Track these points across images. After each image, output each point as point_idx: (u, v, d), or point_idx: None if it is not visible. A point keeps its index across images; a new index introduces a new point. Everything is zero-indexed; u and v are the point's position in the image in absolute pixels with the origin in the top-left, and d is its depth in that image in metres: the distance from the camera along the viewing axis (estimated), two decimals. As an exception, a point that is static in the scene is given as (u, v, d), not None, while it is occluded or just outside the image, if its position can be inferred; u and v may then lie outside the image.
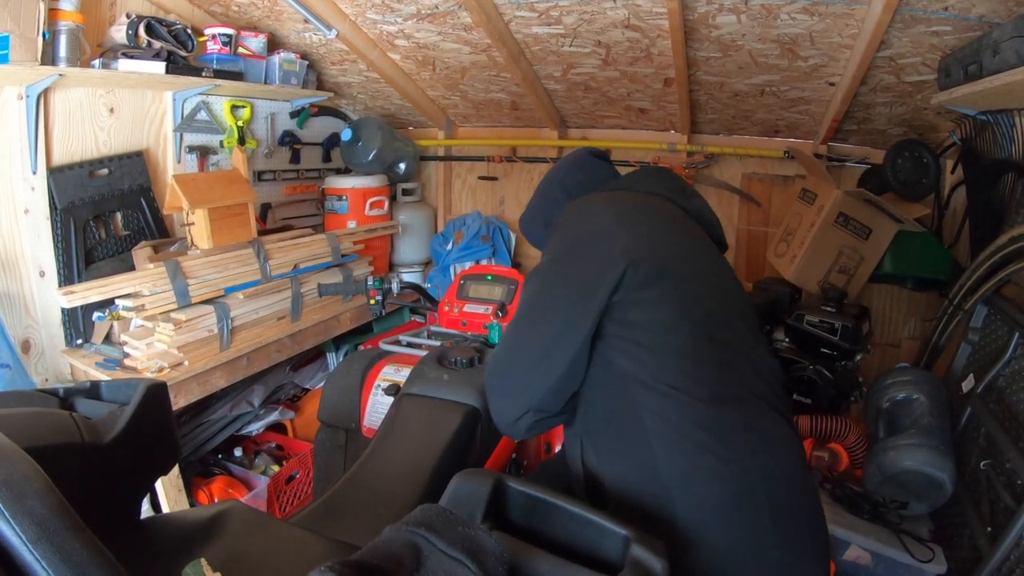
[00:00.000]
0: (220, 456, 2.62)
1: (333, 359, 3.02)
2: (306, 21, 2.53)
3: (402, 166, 3.33)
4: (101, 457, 0.86)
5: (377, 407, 2.14)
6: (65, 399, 1.03)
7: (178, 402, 2.17)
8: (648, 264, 1.15)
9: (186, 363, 2.17)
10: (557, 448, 2.10)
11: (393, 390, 2.03)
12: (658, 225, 1.27)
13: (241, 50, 2.60)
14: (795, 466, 1.16)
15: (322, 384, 3.08)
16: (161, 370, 2.11)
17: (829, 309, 2.29)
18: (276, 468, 2.66)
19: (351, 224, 3.07)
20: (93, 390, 1.06)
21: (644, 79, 2.68)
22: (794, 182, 2.88)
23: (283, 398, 2.94)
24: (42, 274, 2.17)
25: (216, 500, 2.40)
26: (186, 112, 2.52)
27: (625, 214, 1.25)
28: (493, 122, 3.51)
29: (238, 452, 2.66)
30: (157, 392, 1.03)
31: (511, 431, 1.25)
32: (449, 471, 1.61)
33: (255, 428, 2.72)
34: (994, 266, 2.03)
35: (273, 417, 2.76)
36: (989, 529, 1.81)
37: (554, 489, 1.33)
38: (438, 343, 2.48)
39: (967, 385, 2.14)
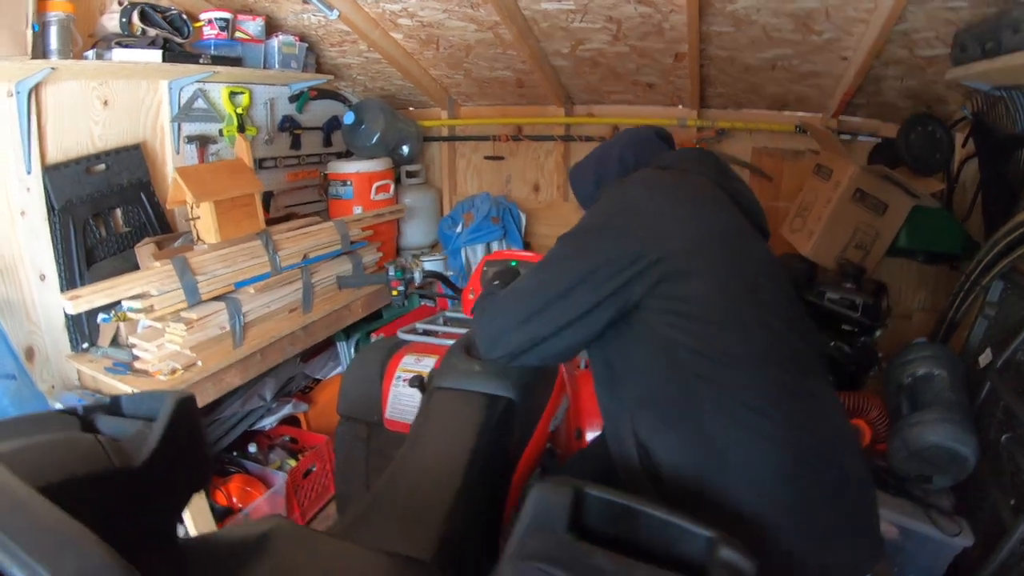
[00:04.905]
0: (235, 454, 2.57)
1: (344, 348, 2.97)
2: (305, 1, 2.42)
3: (405, 148, 3.24)
4: (134, 481, 0.81)
5: (400, 399, 2.11)
6: (85, 418, 0.98)
7: (194, 405, 2.12)
8: (690, 242, 1.18)
9: (199, 363, 2.11)
10: (588, 434, 2.09)
11: (417, 382, 1.99)
12: (699, 203, 1.29)
13: (238, 34, 2.49)
14: (846, 428, 1.20)
15: (333, 374, 3.04)
16: (174, 371, 2.05)
17: (849, 286, 2.29)
18: (292, 462, 2.63)
19: (357, 210, 2.99)
20: (113, 405, 1.00)
21: (654, 54, 2.62)
22: (804, 156, 2.86)
23: (294, 390, 2.88)
24: (42, 277, 2.08)
25: (234, 499, 2.36)
26: (183, 101, 2.41)
27: (667, 193, 1.29)
28: (496, 100, 3.43)
29: (252, 448, 2.60)
30: (186, 406, 0.98)
31: (497, 351, 1.30)
32: (491, 467, 1.59)
33: (268, 423, 2.67)
34: (1013, 242, 2.03)
35: (286, 410, 2.71)
36: (1012, 502, 1.85)
37: (593, 477, 1.34)
38: (457, 330, 2.45)
39: (984, 359, 2.16)
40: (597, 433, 2.06)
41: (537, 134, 3.38)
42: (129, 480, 0.80)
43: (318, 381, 3.05)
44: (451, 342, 2.27)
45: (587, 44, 2.64)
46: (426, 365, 2.18)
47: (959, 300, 2.30)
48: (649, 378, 1.20)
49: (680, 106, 3.07)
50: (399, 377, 2.15)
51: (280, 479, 2.46)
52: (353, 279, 2.24)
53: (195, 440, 1.01)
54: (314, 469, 2.67)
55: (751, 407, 1.09)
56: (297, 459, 2.66)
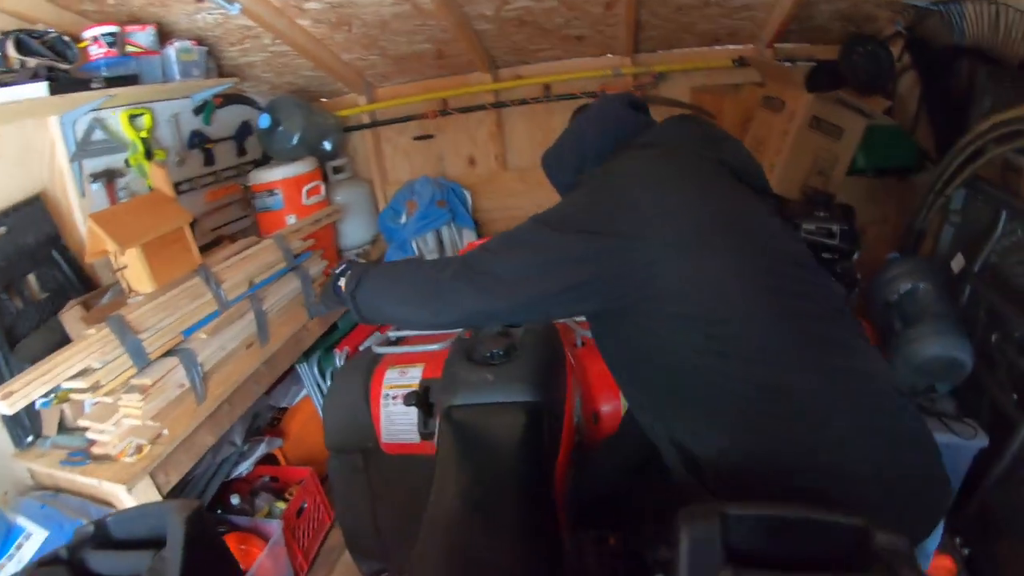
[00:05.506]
0: (219, 511, 2.33)
1: (305, 371, 2.72)
2: (198, 0, 2.10)
3: (327, 143, 2.96)
4: None
5: (394, 419, 1.96)
6: (72, 561, 0.84)
7: (171, 480, 1.88)
8: (676, 236, 1.13)
9: (165, 432, 1.86)
10: (603, 408, 2.00)
11: (413, 399, 1.84)
12: (685, 185, 1.22)
13: (129, 48, 2.14)
14: (878, 367, 1.15)
15: (299, 398, 2.82)
16: (140, 449, 1.79)
17: (821, 214, 2.29)
18: (281, 505, 2.42)
19: (290, 219, 2.72)
20: (101, 534, 0.88)
21: (583, 5, 2.48)
22: (743, 89, 2.82)
23: (262, 426, 2.65)
24: (-38, 373, 1.76)
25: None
26: (79, 136, 2.06)
27: (650, 181, 1.22)
28: (416, 76, 3.17)
29: (235, 500, 2.37)
30: (196, 520, 0.83)
31: (443, 318, 1.29)
32: (536, 484, 1.48)
33: (244, 467, 2.43)
34: (975, 151, 2.07)
35: (261, 451, 2.47)
36: (1015, 396, 1.93)
37: (632, 467, 1.30)
38: (431, 332, 2.29)
39: (957, 264, 2.24)
40: (611, 406, 1.98)
41: (465, 105, 3.16)
42: None
43: (284, 410, 2.81)
44: (432, 347, 2.13)
45: (513, 3, 2.46)
46: (413, 377, 2.03)
47: (925, 212, 2.35)
48: (667, 386, 1.18)
49: (610, 55, 2.95)
50: (387, 396, 1.99)
51: (275, 528, 2.26)
52: (321, 307, 2.02)
53: (219, 560, 0.86)
54: (305, 506, 2.48)
55: (775, 391, 1.07)
56: (284, 499, 2.47)
